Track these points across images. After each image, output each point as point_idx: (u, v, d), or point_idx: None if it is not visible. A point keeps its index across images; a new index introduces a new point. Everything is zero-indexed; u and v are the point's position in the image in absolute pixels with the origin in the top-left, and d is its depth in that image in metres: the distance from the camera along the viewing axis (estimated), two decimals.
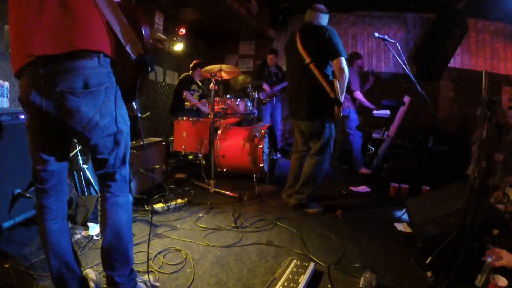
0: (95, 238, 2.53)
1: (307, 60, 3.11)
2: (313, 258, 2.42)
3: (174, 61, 6.60)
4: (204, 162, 4.43)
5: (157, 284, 2.00)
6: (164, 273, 2.13)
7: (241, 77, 7.28)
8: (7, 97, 2.73)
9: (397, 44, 3.71)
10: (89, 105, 1.45)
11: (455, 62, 5.80)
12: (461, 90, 5.99)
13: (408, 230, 3.01)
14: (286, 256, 2.41)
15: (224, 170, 4.29)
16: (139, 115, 1.82)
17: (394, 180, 4.32)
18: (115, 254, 1.67)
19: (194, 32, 6.97)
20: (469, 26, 5.41)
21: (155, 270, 2.15)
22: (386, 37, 3.68)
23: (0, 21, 3.09)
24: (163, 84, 6.32)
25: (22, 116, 2.47)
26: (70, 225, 2.58)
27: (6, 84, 2.73)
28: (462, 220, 2.41)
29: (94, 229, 2.61)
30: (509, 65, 5.08)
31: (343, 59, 3.02)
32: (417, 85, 3.67)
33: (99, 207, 1.71)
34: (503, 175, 3.81)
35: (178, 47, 6.18)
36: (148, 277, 1.96)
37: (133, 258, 1.75)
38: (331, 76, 3.16)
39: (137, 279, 1.81)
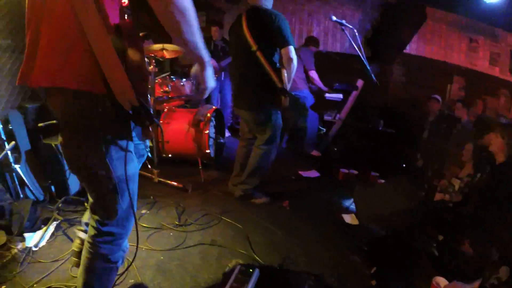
0: (34, 249, 2.27)
1: (254, 47, 2.90)
2: (257, 259, 2.35)
3: None
4: (150, 144, 4.18)
5: None
6: None
7: None
8: None
9: (355, 30, 3.60)
10: None
11: (410, 48, 5.85)
12: (413, 76, 6.09)
13: (356, 222, 3.04)
14: (230, 257, 2.33)
15: (169, 156, 4.09)
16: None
17: (343, 163, 4.33)
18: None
19: (136, 2, 6.35)
20: (427, 14, 5.45)
21: None
22: (344, 22, 3.55)
23: None
24: None
25: None
26: (5, 237, 2.30)
27: None
28: (407, 221, 2.47)
29: (31, 239, 2.33)
30: (462, 56, 5.18)
31: (291, 48, 2.85)
32: (371, 73, 3.63)
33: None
34: (449, 164, 3.95)
35: None
36: None
37: None
38: (278, 64, 3.00)
39: None
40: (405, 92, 6.13)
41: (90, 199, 1.45)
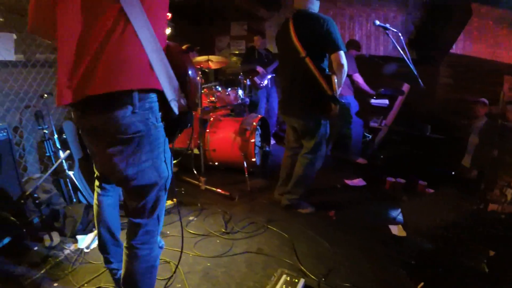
0: (85, 251, 2.43)
1: (303, 54, 2.83)
2: (303, 269, 2.34)
3: None
4: (197, 152, 4.28)
5: None
6: None
7: (234, 59, 6.99)
8: None
9: (400, 34, 3.49)
10: None
11: (457, 48, 5.57)
12: (460, 77, 5.81)
13: (403, 233, 2.94)
14: (276, 266, 2.34)
15: (216, 163, 4.17)
16: None
17: (390, 171, 4.22)
18: None
19: (178, 13, 6.54)
20: (472, 11, 5.18)
21: None
22: (387, 25, 3.46)
23: None
24: None
25: None
26: (59, 238, 2.48)
27: None
28: (456, 235, 2.37)
29: (83, 241, 2.50)
30: None
31: (342, 54, 2.75)
32: (419, 79, 3.51)
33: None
34: (501, 173, 3.72)
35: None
36: None
37: None
38: (327, 70, 2.94)
39: None
40: (453, 95, 5.86)
41: (133, 204, 1.50)
